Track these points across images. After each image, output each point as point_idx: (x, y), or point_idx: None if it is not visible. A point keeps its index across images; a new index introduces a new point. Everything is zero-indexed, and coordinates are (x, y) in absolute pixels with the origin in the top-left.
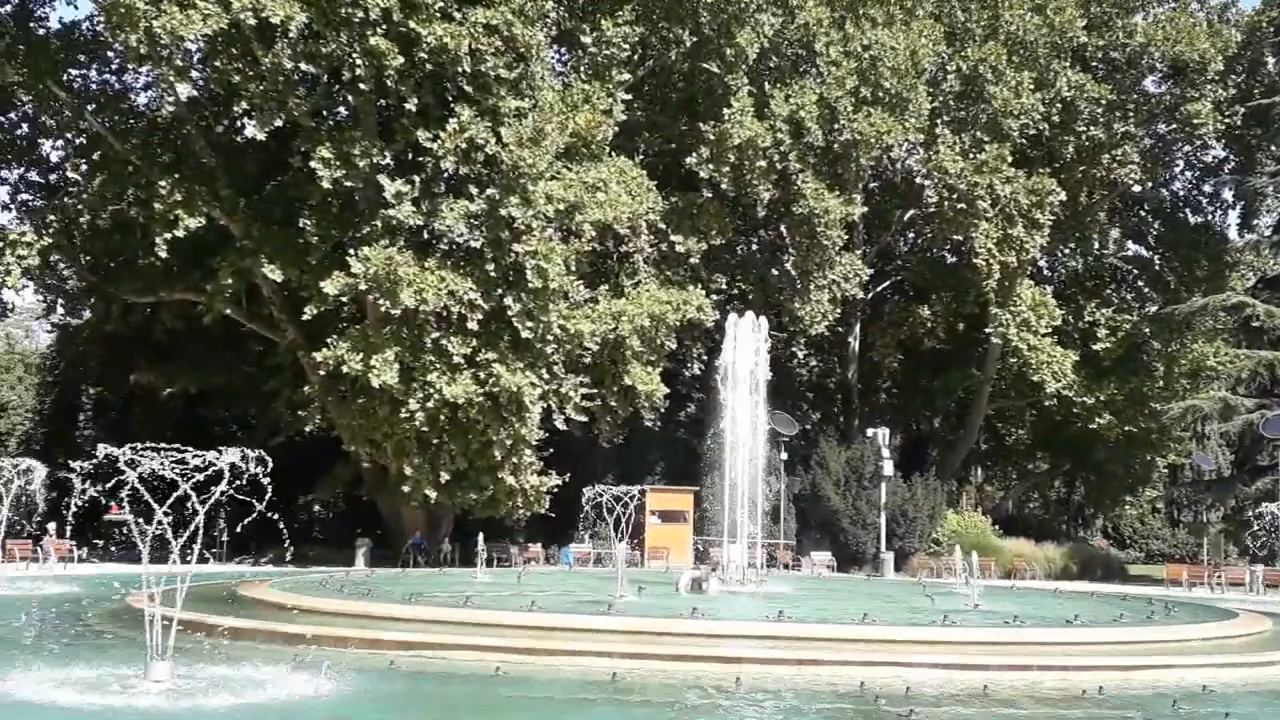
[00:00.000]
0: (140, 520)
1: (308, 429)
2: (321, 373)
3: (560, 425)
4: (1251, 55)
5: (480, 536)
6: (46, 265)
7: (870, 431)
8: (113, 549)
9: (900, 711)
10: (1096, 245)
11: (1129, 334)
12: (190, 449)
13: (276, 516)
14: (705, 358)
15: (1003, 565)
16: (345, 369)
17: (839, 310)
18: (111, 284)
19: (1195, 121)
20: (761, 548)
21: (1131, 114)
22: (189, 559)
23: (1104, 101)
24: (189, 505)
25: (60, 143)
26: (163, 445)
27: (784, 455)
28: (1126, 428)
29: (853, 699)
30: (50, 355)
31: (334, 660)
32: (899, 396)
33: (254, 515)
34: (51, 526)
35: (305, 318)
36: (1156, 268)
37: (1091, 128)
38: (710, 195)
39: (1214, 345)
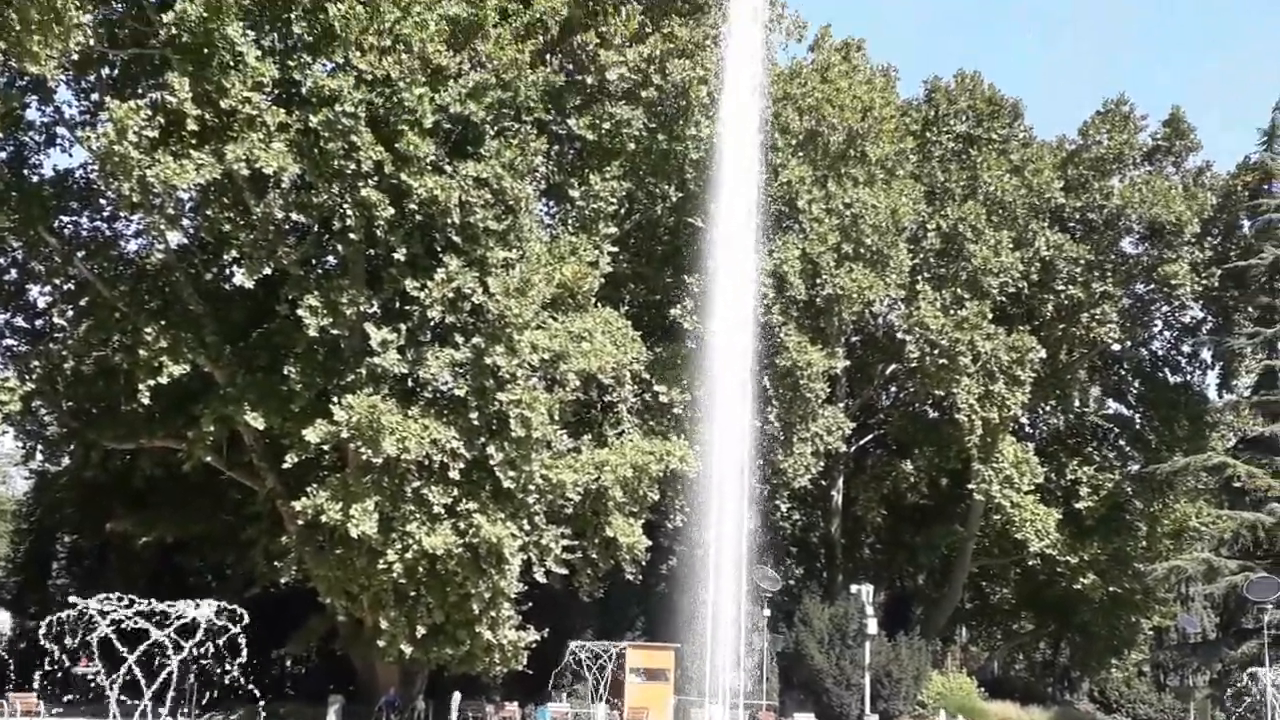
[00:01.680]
0: (110, 673)
1: (284, 580)
2: (300, 522)
3: (540, 578)
4: (1227, 218)
5: (456, 696)
6: (28, 411)
7: (854, 588)
8: (81, 704)
9: None
10: (1077, 403)
11: (1111, 493)
12: (164, 600)
13: (248, 674)
14: (688, 510)
15: None
16: (324, 518)
17: (822, 464)
18: (93, 430)
19: (1173, 282)
20: (744, 709)
21: (1110, 274)
22: (159, 714)
23: (1082, 261)
24: (160, 659)
25: (48, 288)
26: (134, 598)
27: (766, 611)
28: (1111, 588)
29: None
30: (27, 502)
31: None
32: (883, 552)
33: (226, 670)
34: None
35: (286, 466)
36: (1137, 426)
37: (1070, 287)
38: (694, 346)
39: (1196, 505)
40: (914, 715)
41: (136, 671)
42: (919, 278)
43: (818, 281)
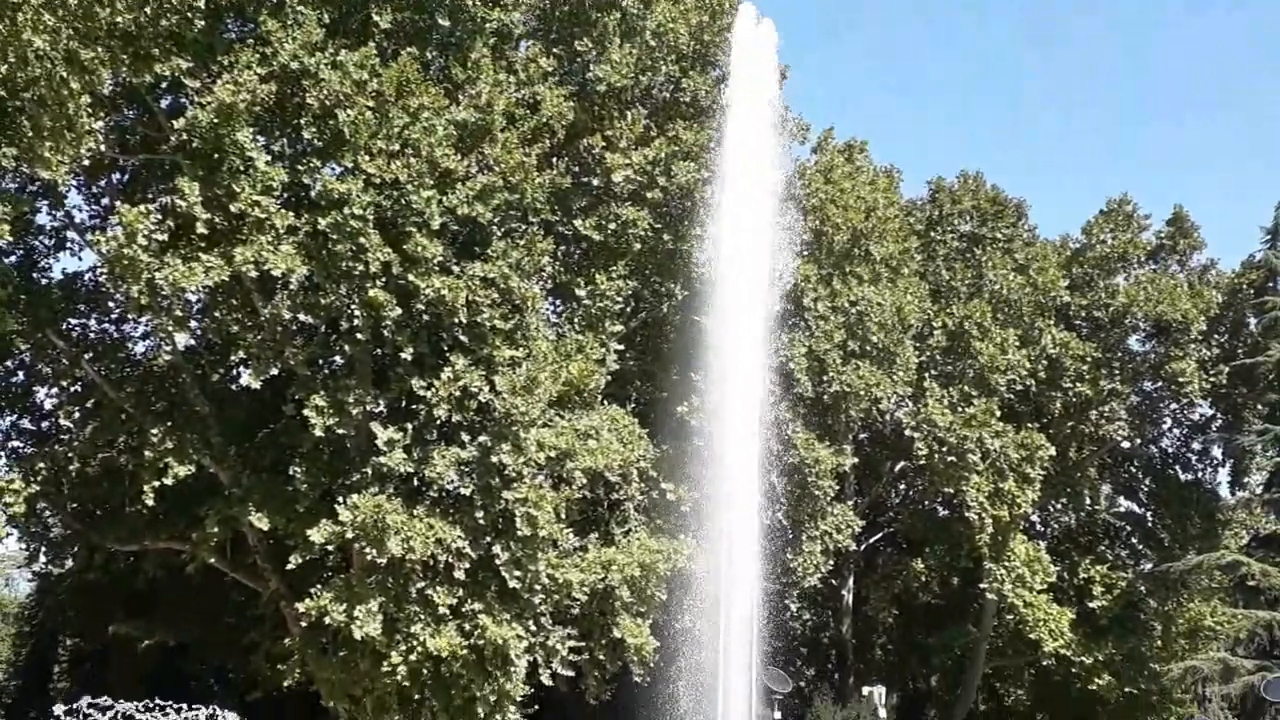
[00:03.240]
0: None
1: (286, 683)
2: (303, 624)
3: (546, 680)
4: (1233, 316)
5: None
6: (32, 513)
7: (866, 690)
8: None
9: None
10: (1088, 501)
11: (1125, 591)
12: (166, 704)
13: None
14: (696, 609)
15: None
16: (328, 620)
17: (832, 562)
18: (96, 532)
19: (1180, 380)
20: None
21: (1117, 371)
22: None
23: (1089, 359)
24: None
25: (55, 390)
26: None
27: (777, 714)
28: (1127, 689)
29: None
30: (29, 604)
31: None
32: (895, 652)
33: None
34: None
35: (290, 567)
36: (1149, 524)
37: (1078, 384)
38: (701, 443)
39: (1211, 604)
40: None
41: None
42: (926, 375)
43: (824, 379)
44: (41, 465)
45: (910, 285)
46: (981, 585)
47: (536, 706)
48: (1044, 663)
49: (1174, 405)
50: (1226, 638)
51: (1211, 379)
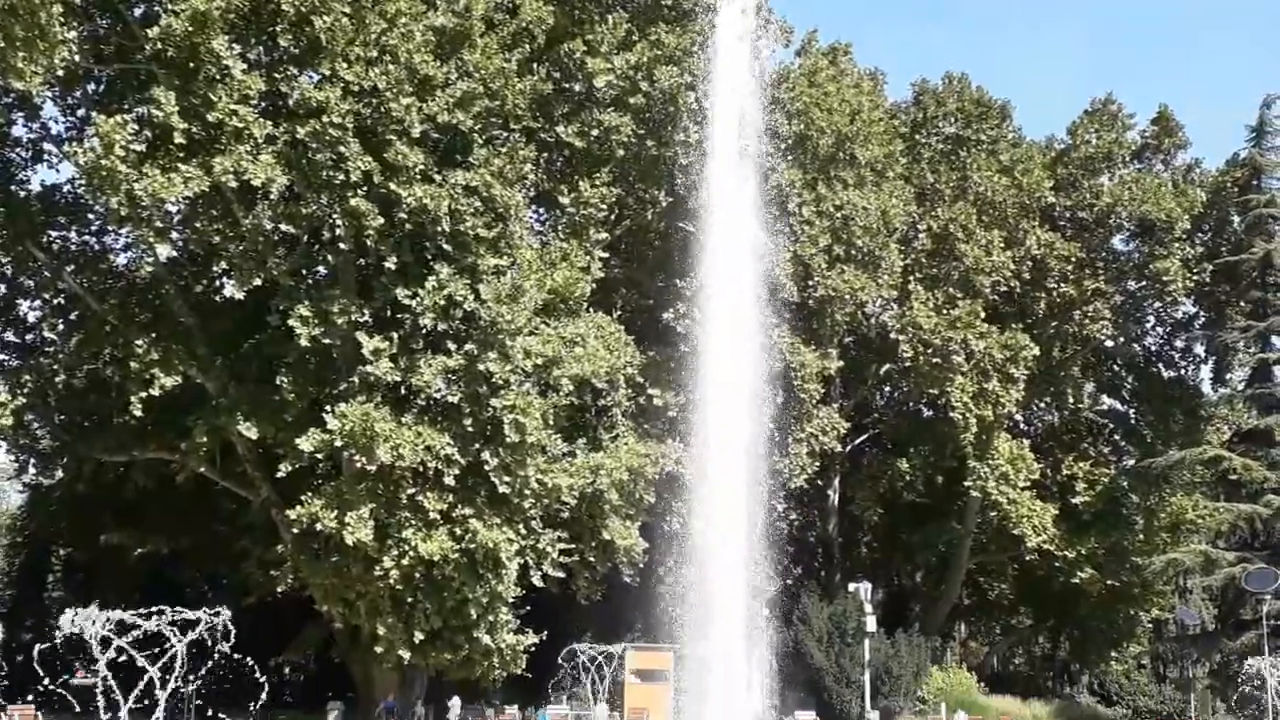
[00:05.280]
0: (107, 682)
1: (279, 589)
2: (295, 531)
3: (537, 582)
4: (1217, 214)
5: (455, 701)
6: (20, 425)
7: (852, 586)
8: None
9: None
10: (1071, 399)
11: (1107, 487)
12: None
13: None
14: (684, 512)
15: None
16: (319, 526)
17: (818, 464)
18: (84, 443)
19: (1164, 278)
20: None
21: (1101, 271)
22: None
23: (1073, 259)
24: (157, 670)
25: (38, 303)
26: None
27: (765, 611)
28: (1109, 582)
29: None
30: (21, 516)
31: None
32: (880, 550)
33: (223, 678)
34: None
35: (280, 475)
36: (1132, 421)
37: (1062, 284)
38: (687, 349)
39: (1193, 499)
40: (915, 711)
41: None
42: (911, 278)
43: (810, 283)
44: (27, 378)
45: (895, 189)
46: (965, 483)
47: (528, 608)
48: (1027, 558)
49: (1157, 304)
50: (1208, 531)
51: (1195, 277)
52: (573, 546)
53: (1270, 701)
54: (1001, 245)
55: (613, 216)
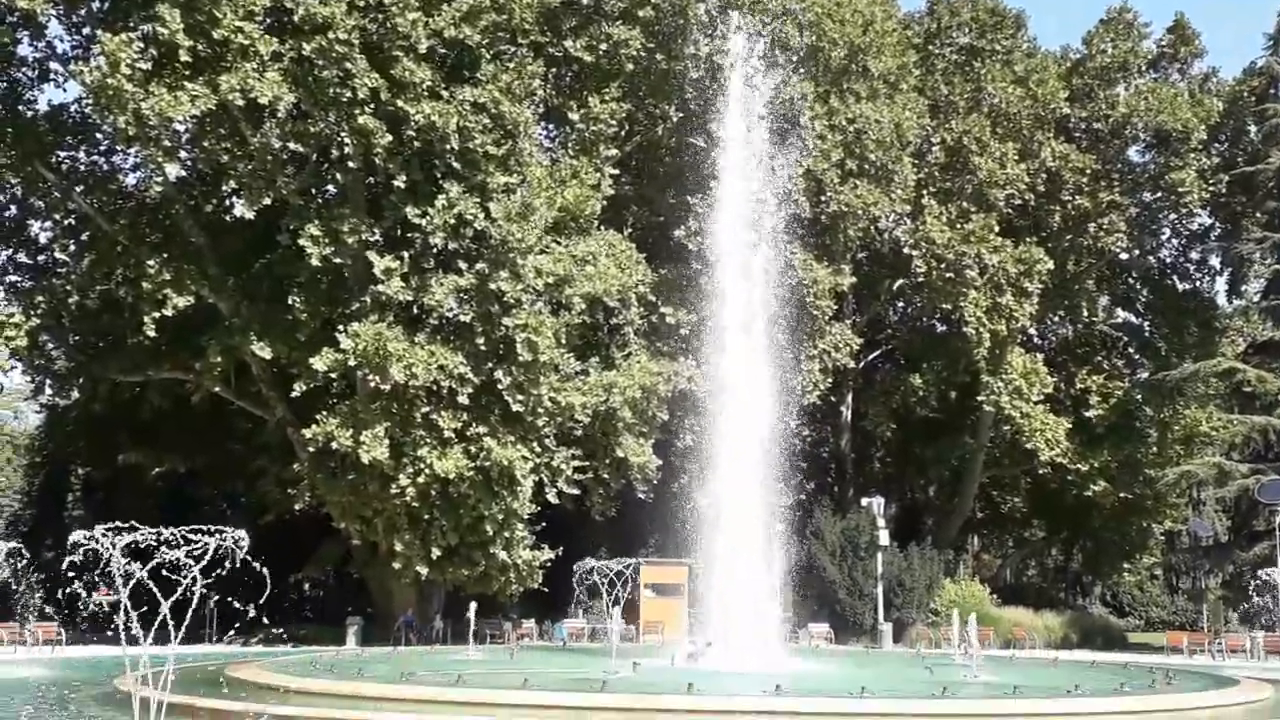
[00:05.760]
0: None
1: (297, 507)
2: (310, 450)
3: (552, 499)
4: (1234, 124)
5: (472, 606)
6: (35, 346)
7: (865, 501)
8: (98, 631)
9: None
10: (1085, 313)
11: (1121, 400)
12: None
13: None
14: (698, 429)
15: (1002, 635)
16: (335, 445)
17: (830, 380)
18: (99, 364)
19: (1180, 190)
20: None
21: (1116, 183)
22: (177, 640)
23: (1089, 171)
24: (177, 587)
25: (49, 224)
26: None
27: (779, 525)
28: (1122, 494)
29: None
30: (38, 436)
31: None
32: (893, 465)
33: (244, 596)
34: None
35: (294, 395)
36: (1146, 334)
37: (1077, 197)
38: (699, 267)
39: (1206, 411)
40: (927, 623)
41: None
42: (924, 192)
43: (822, 199)
44: (40, 299)
45: (908, 101)
46: (979, 398)
47: (543, 524)
48: (1040, 471)
49: (1173, 215)
50: (1221, 443)
51: (1211, 188)
52: (587, 464)
53: None
54: (1016, 158)
55: (623, 132)
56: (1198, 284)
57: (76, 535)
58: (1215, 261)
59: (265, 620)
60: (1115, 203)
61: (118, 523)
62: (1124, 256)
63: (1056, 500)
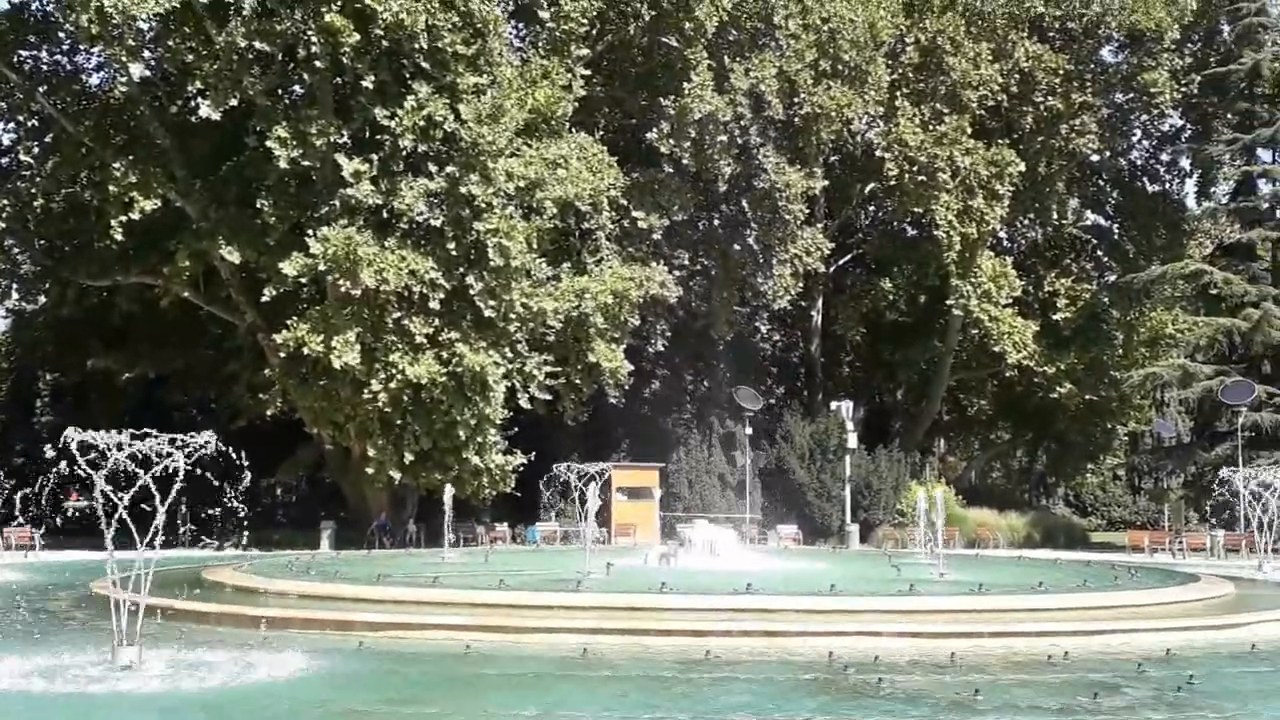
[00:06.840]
0: (102, 504)
1: (269, 412)
2: (282, 355)
3: (524, 404)
4: (1207, 24)
5: (448, 490)
6: (0, 249)
7: (834, 405)
8: (73, 535)
9: (870, 679)
10: (1055, 215)
11: (1088, 303)
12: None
13: (238, 500)
14: (669, 334)
15: (967, 535)
16: (306, 350)
17: (801, 284)
18: (67, 268)
19: (1152, 90)
20: (727, 522)
21: (1089, 83)
22: (153, 544)
23: (1061, 72)
24: (151, 490)
25: (12, 125)
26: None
27: (749, 430)
28: (1087, 396)
29: (822, 669)
30: (5, 341)
31: (303, 642)
32: (862, 369)
33: (217, 499)
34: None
35: (264, 299)
36: (1115, 237)
37: (1049, 98)
38: (671, 170)
39: (1173, 313)
40: (894, 524)
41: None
42: (898, 94)
43: (795, 100)
44: (5, 202)
45: (883, 0)
46: (948, 302)
47: (516, 429)
48: (1007, 374)
49: (1144, 117)
50: (1186, 345)
51: (1183, 89)
52: (559, 369)
53: (1242, 510)
54: (989, 58)
55: (594, 32)
56: (1167, 186)
57: (70, 433)
58: (1185, 163)
59: (243, 514)
60: (1087, 104)
61: (93, 428)
62: (1095, 159)
63: (1022, 403)
